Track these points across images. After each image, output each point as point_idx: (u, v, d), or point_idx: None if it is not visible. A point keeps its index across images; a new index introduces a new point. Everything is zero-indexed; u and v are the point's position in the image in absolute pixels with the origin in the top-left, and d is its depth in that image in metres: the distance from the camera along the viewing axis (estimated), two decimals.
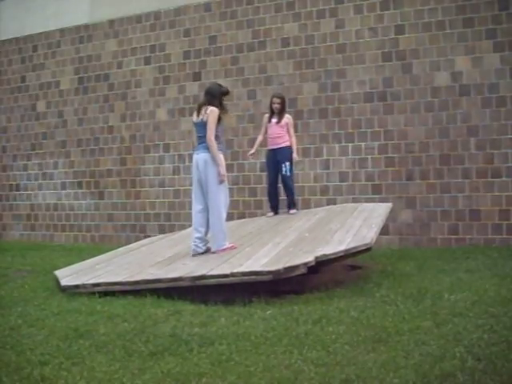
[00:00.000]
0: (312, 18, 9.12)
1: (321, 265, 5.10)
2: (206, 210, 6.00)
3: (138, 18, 10.55)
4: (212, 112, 5.93)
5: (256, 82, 9.48)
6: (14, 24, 11.90)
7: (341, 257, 5.27)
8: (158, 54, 10.34)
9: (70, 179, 11.07)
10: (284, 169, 7.57)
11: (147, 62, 10.42)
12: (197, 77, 9.96)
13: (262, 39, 9.48)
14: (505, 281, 5.22)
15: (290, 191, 7.68)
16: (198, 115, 6.06)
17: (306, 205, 8.73)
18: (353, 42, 8.82)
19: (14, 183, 11.72)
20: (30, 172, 11.54)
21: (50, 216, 11.22)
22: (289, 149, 7.65)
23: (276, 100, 7.69)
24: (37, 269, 7.17)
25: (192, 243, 6.03)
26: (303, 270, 4.84)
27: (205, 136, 5.93)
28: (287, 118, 7.72)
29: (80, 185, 10.95)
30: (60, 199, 11.14)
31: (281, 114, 7.67)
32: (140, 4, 10.57)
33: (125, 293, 5.19)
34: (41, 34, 11.55)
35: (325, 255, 5.04)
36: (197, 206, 6.04)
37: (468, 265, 6.25)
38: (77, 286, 5.42)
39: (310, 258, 4.91)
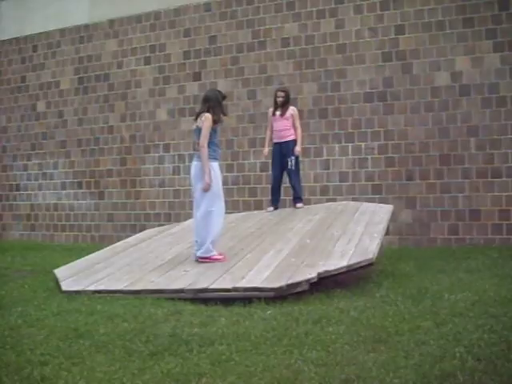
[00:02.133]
0: (312, 18, 9.12)
1: (322, 279, 5.10)
2: None
3: (138, 18, 10.55)
4: (207, 119, 5.80)
5: (256, 81, 9.49)
6: (14, 24, 11.91)
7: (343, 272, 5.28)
8: (158, 53, 10.34)
9: (70, 179, 11.07)
10: (290, 163, 7.52)
11: (147, 62, 10.42)
12: (197, 77, 9.96)
13: (262, 39, 9.48)
14: (505, 281, 5.22)
15: (295, 185, 7.64)
16: (196, 121, 5.95)
17: (307, 205, 8.72)
18: (353, 42, 8.82)
19: (14, 183, 11.72)
20: (30, 172, 11.54)
21: (50, 216, 11.22)
22: (295, 142, 7.60)
23: (280, 94, 7.64)
24: (37, 269, 7.17)
25: (193, 248, 6.03)
26: (305, 287, 4.86)
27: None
28: (292, 110, 7.65)
29: (80, 185, 10.95)
30: (60, 199, 11.15)
31: (284, 106, 7.60)
32: (140, 4, 10.57)
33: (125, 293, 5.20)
34: (41, 34, 11.55)
35: (327, 271, 5.04)
36: (195, 212, 5.98)
37: (468, 265, 6.25)
38: (77, 292, 5.42)
39: (312, 275, 4.93)
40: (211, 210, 5.79)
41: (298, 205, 7.64)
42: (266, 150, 7.80)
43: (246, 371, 3.22)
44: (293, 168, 7.56)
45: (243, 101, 9.56)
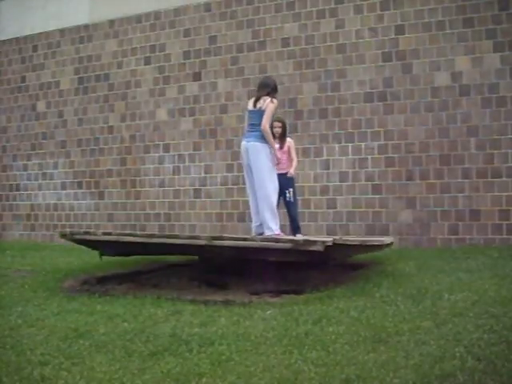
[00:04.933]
0: (312, 18, 9.11)
1: (332, 251, 5.08)
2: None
3: (138, 18, 10.54)
4: (272, 103, 6.20)
5: (256, 82, 9.40)
6: (14, 24, 11.90)
7: (355, 247, 5.42)
8: (157, 54, 10.33)
9: (70, 179, 11.07)
10: (288, 195, 7.26)
11: (147, 62, 10.42)
12: (197, 77, 9.95)
13: (262, 39, 9.47)
14: (505, 281, 5.21)
15: (294, 217, 7.41)
16: (254, 104, 6.32)
17: (307, 205, 8.73)
18: (353, 42, 8.82)
19: (14, 183, 11.71)
20: (29, 172, 11.53)
21: (50, 216, 11.21)
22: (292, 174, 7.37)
23: (277, 124, 7.25)
24: (37, 269, 7.16)
25: (253, 226, 6.41)
26: (320, 248, 4.93)
27: (259, 124, 6.17)
28: (289, 142, 7.40)
29: (80, 185, 10.95)
30: (60, 199, 11.14)
31: (282, 138, 7.30)
32: (140, 4, 10.57)
33: (125, 293, 5.20)
34: (41, 34, 11.54)
35: (342, 239, 5.26)
36: (251, 195, 6.39)
37: (468, 265, 6.24)
38: (87, 233, 5.36)
39: (328, 239, 5.10)
40: (269, 187, 6.22)
41: (298, 236, 7.50)
42: None
43: (246, 371, 3.22)
44: (291, 200, 7.35)
45: (243, 101, 9.51)
